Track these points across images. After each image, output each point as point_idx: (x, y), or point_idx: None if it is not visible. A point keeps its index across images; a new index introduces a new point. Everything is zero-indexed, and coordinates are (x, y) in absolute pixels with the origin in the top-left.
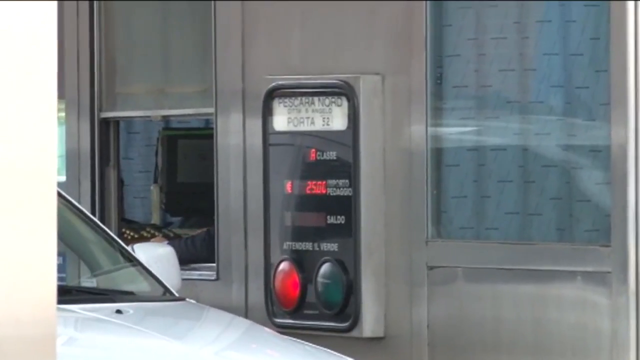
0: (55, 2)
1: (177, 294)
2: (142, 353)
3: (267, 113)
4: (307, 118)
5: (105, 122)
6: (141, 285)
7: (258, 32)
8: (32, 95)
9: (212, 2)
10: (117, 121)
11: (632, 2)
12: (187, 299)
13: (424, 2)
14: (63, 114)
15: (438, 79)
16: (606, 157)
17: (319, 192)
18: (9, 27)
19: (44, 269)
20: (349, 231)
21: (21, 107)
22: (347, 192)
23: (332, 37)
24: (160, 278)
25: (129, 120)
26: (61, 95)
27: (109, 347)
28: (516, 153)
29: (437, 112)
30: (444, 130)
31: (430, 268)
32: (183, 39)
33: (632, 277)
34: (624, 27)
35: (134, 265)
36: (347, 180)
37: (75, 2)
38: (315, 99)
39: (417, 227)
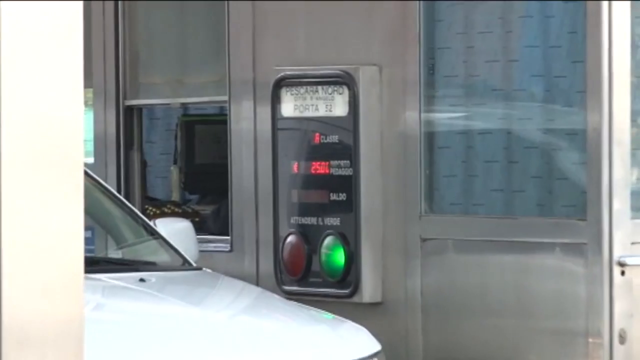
0: (82, 2)
1: (194, 264)
2: (162, 318)
3: (275, 101)
4: (312, 105)
5: (129, 110)
6: (162, 256)
7: (267, 28)
8: (61, 84)
9: (226, 1)
10: (140, 108)
11: (606, 6)
12: (204, 269)
13: (418, 1)
14: (91, 102)
15: (430, 70)
16: (582, 140)
17: (322, 172)
18: (42, 25)
19: (72, 241)
20: (349, 207)
21: (51, 96)
22: (348, 172)
23: (334, 32)
24: (179, 250)
25: (150, 107)
26: (89, 85)
27: (133, 312)
28: (501, 136)
29: (429, 100)
30: (436, 115)
31: (424, 240)
32: (199, 34)
33: (606, 248)
34: (598, 22)
35: (155, 238)
36: (348, 161)
37: (101, 1)
38: (319, 87)
39: (412, 203)
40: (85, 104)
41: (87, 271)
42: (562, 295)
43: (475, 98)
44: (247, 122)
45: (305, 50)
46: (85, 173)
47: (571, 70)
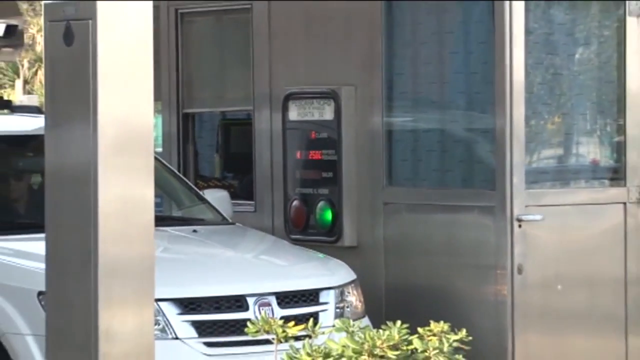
0: (151, 41)
1: (230, 220)
2: (208, 256)
3: (285, 109)
4: (309, 112)
5: (186, 115)
6: (208, 215)
7: (279, 60)
8: (139, 98)
9: (251, 41)
10: (193, 115)
11: (508, 45)
12: (237, 224)
13: (381, 43)
14: (160, 111)
15: (389, 89)
16: (492, 136)
17: (316, 157)
18: (126, 56)
19: (145, 204)
20: (335, 181)
21: (132, 105)
22: (333, 157)
23: (324, 62)
24: (220, 210)
25: (200, 114)
26: (158, 98)
27: (189, 253)
28: (437, 133)
29: (388, 109)
30: (393, 120)
31: (385, 204)
32: (233, 63)
33: (508, 209)
34: (503, 56)
35: (204, 203)
36: (333, 150)
37: (167, 38)
38: (314, 100)
39: (377, 179)
40: (156, 111)
41: (157, 225)
42: (479, 241)
43: (420, 108)
44: (265, 124)
45: (304, 75)
46: (156, 159)
47: (484, 89)
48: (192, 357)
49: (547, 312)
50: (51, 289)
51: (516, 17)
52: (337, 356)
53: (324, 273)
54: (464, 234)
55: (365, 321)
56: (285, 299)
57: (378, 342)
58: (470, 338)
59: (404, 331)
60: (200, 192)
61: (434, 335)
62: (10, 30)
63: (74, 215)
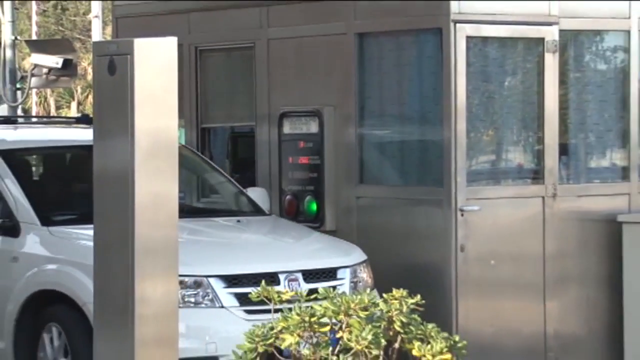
0: (176, 71)
1: (267, 212)
2: (248, 241)
3: (280, 125)
4: (299, 127)
5: (203, 130)
6: (250, 208)
7: (275, 86)
8: (167, 115)
9: (254, 72)
10: (209, 129)
11: (453, 75)
12: (273, 215)
13: (354, 73)
14: (183, 126)
15: (361, 109)
16: (441, 145)
17: (304, 162)
18: (157, 82)
19: (170, 196)
20: (319, 180)
21: (161, 121)
22: (318, 162)
23: (310, 87)
24: (259, 204)
25: (214, 128)
26: (181, 116)
27: (233, 238)
28: (398, 143)
29: (360, 124)
30: (364, 132)
31: (358, 198)
32: (240, 88)
33: (453, 202)
34: (449, 83)
35: (246, 197)
36: (318, 156)
37: (189, 69)
38: (303, 117)
39: (352, 178)
40: (180, 126)
41: (208, 216)
42: (430, 226)
43: (385, 123)
44: (265, 136)
45: (295, 98)
46: (208, 163)
47: (434, 109)
48: (235, 322)
49: (483, 282)
50: (98, 264)
51: (459, 53)
52: (320, 316)
53: (341, 254)
54: (418, 221)
55: (374, 293)
56: (310, 275)
57: (352, 305)
58: (424, 302)
59: (372, 295)
60: (244, 190)
61: (396, 299)
62: (67, 63)
63: (116, 206)
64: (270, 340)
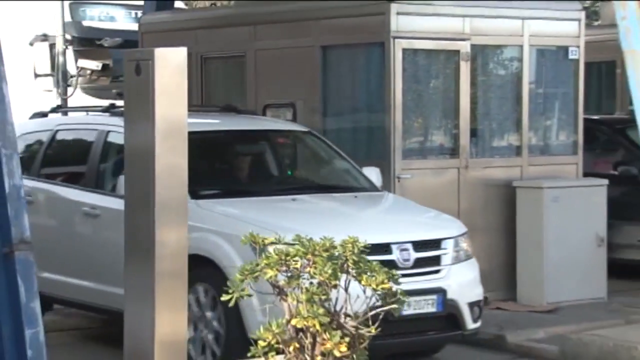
0: (186, 73)
1: (380, 189)
2: (364, 214)
3: (264, 113)
4: (277, 115)
5: None
6: (365, 184)
7: (260, 84)
8: (177, 105)
9: (245, 75)
10: None
11: (392, 78)
12: (385, 191)
13: (319, 75)
14: None
15: (324, 102)
16: (383, 130)
17: (281, 142)
18: (171, 80)
19: (181, 167)
20: None
21: (174, 110)
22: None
23: (287, 87)
24: (373, 181)
25: None
26: (190, 108)
27: (351, 211)
28: (352, 129)
29: (324, 114)
30: (327, 120)
31: None
32: (233, 87)
33: (392, 172)
34: (390, 88)
35: (362, 175)
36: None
37: (196, 72)
38: (281, 108)
39: None
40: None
41: (330, 191)
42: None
43: (342, 114)
44: None
45: (276, 94)
46: (331, 147)
47: (379, 103)
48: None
49: None
50: (129, 217)
51: (397, 61)
52: (293, 254)
53: (445, 227)
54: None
55: (473, 261)
56: (418, 245)
57: (317, 247)
58: (370, 244)
59: (331, 241)
60: (359, 169)
61: (349, 243)
62: (105, 67)
63: (141, 174)
64: (257, 274)
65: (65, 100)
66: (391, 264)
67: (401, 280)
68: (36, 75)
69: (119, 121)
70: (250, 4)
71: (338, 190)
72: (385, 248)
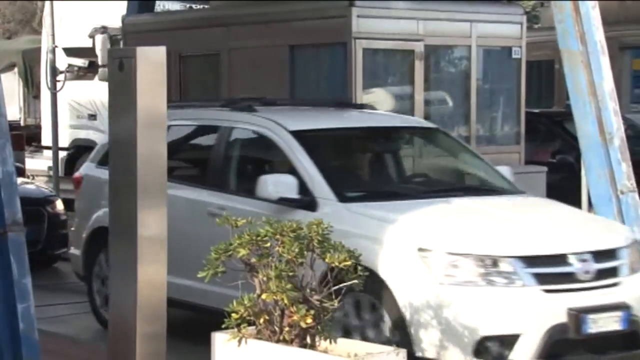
0: (165, 69)
1: (519, 190)
2: (534, 220)
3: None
4: None
5: None
6: (505, 185)
7: (235, 81)
8: (157, 99)
9: (220, 72)
10: None
11: (354, 73)
12: (526, 192)
13: (288, 73)
14: None
15: (292, 96)
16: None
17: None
18: (151, 76)
19: (160, 152)
20: None
21: (154, 102)
22: None
23: (258, 83)
24: (511, 182)
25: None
26: (169, 101)
27: (520, 216)
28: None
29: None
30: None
31: None
32: (210, 82)
33: None
34: (352, 80)
35: (500, 175)
36: None
37: (174, 69)
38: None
39: None
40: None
41: (479, 193)
42: None
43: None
44: None
45: (248, 89)
46: (467, 148)
47: (344, 94)
48: (534, 300)
49: None
50: (113, 202)
51: (358, 60)
52: (263, 235)
53: (618, 233)
54: None
55: None
56: (598, 255)
57: (285, 228)
58: (332, 226)
59: (297, 224)
60: (494, 167)
61: (314, 225)
62: (91, 64)
63: (125, 161)
64: (230, 253)
65: (54, 95)
66: (569, 277)
67: (582, 294)
68: (100, 66)
69: (246, 117)
70: (225, 6)
71: (484, 193)
72: (561, 259)
